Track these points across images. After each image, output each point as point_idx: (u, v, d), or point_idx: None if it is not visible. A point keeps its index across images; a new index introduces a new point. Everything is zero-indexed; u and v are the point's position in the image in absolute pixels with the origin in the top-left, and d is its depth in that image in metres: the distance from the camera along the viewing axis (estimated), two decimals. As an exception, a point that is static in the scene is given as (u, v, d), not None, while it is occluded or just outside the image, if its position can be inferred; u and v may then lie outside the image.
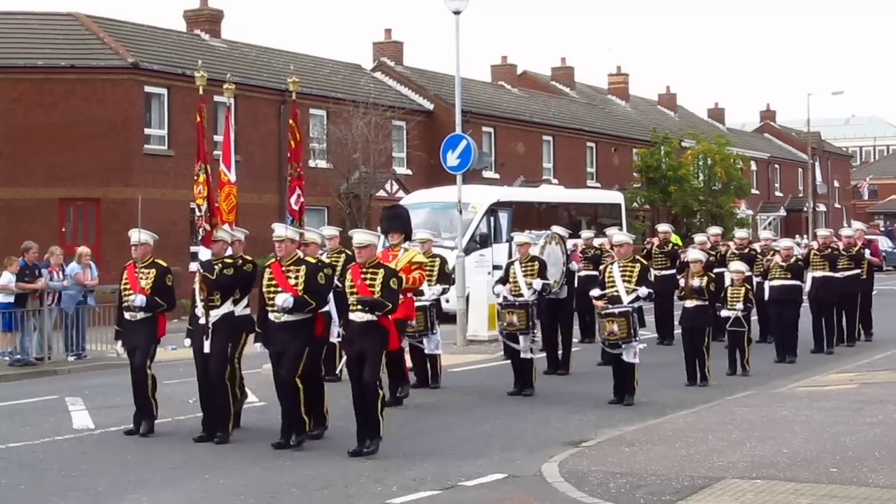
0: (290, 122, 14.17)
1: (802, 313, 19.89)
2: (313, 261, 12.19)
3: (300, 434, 11.87)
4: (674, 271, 21.39)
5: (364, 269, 11.62)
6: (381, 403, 11.45)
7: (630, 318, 14.70)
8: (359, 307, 11.48)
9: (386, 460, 11.17)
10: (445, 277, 16.34)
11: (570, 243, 19.52)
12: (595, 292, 15.31)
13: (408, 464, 11.04)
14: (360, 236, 11.85)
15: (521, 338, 15.79)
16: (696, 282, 16.79)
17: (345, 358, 12.46)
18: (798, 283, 19.65)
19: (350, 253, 13.03)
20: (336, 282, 12.77)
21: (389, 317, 11.61)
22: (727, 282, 18.91)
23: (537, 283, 16.07)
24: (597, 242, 22.39)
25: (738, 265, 18.47)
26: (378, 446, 11.38)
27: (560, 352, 18.15)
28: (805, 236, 53.88)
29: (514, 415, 14.14)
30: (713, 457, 10.83)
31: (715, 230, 24.50)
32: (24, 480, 10.68)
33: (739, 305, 17.70)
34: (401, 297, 13.15)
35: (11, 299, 20.22)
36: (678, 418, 13.42)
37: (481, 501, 9.49)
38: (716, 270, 19.78)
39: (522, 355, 15.84)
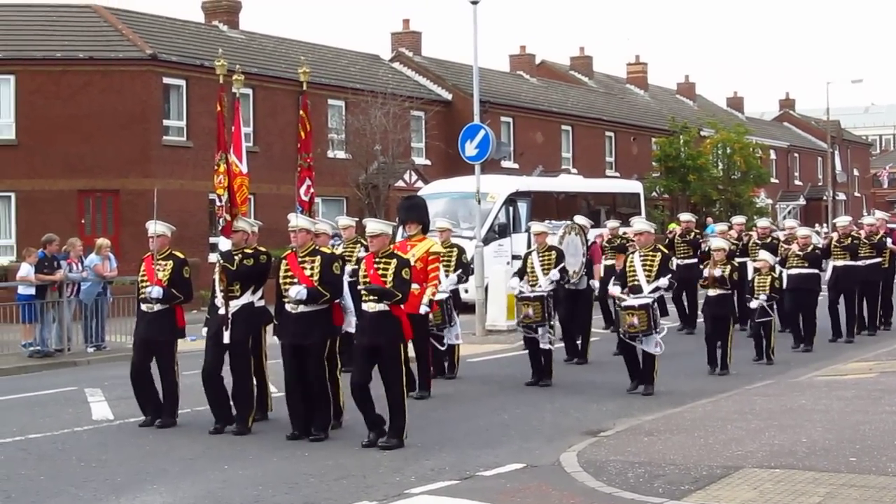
0: (301, 112, 14.06)
1: (820, 303, 19.75)
2: (328, 251, 12.14)
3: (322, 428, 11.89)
4: (696, 260, 21.37)
5: (377, 259, 11.57)
6: (405, 394, 11.44)
7: (650, 310, 14.58)
8: (370, 297, 11.45)
9: (404, 450, 11.17)
10: (463, 267, 16.26)
11: (593, 234, 19.38)
12: (615, 291, 15.14)
13: (426, 453, 11.04)
14: (372, 225, 11.79)
15: (539, 329, 15.75)
16: (717, 271, 16.73)
17: None
18: (815, 271, 19.51)
19: (366, 243, 13.00)
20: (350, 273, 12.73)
21: (402, 307, 11.54)
22: (750, 272, 18.79)
23: (554, 274, 15.98)
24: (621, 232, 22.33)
25: (764, 254, 18.39)
26: (398, 442, 11.33)
27: (578, 342, 18.14)
28: (825, 225, 53.70)
29: (533, 404, 14.12)
30: (732, 446, 10.79)
31: (739, 219, 24.38)
32: (43, 471, 10.72)
33: (763, 296, 17.63)
34: (416, 286, 13.14)
35: (31, 291, 20.30)
36: (697, 407, 13.38)
37: (499, 491, 9.46)
38: (738, 260, 19.68)
39: (542, 345, 15.81)
